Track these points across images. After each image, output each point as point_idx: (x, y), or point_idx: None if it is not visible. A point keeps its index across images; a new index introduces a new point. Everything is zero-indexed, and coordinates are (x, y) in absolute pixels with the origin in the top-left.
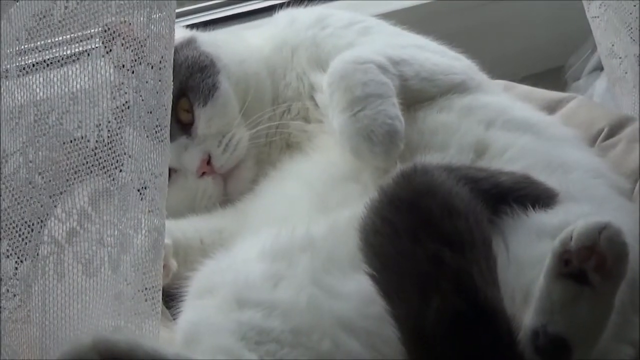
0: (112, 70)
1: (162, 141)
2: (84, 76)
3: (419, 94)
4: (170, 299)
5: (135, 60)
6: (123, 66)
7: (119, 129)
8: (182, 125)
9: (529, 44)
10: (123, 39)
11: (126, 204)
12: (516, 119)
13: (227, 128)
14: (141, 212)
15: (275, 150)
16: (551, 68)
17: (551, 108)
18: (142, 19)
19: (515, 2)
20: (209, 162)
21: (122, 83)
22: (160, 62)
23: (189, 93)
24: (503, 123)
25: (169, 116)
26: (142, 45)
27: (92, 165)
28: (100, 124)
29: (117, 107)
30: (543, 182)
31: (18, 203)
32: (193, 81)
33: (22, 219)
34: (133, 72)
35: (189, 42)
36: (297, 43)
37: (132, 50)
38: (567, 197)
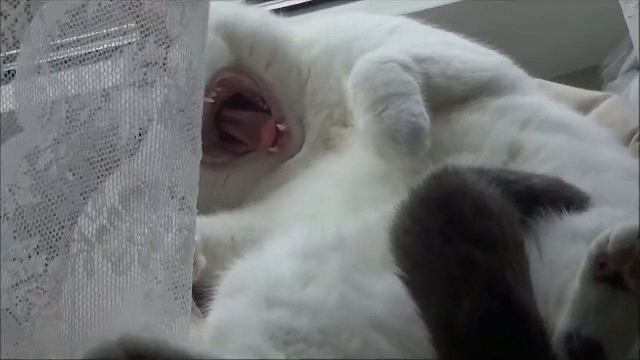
0: (145, 68)
1: (193, 139)
2: (116, 73)
3: (446, 93)
4: (200, 296)
5: (168, 58)
6: (156, 64)
7: (150, 127)
8: None
9: (564, 43)
10: (156, 36)
11: (157, 202)
12: (551, 120)
13: None
14: (172, 211)
15: (316, 155)
16: (587, 68)
17: (586, 107)
18: (175, 17)
19: (550, 0)
20: None
21: (155, 81)
22: (191, 60)
23: None
24: (538, 124)
25: (201, 114)
26: (175, 43)
27: (124, 163)
28: (132, 122)
29: (149, 105)
30: (575, 186)
31: (49, 200)
32: None
33: (54, 215)
34: (165, 70)
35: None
36: (334, 46)
37: (164, 48)
38: (600, 199)
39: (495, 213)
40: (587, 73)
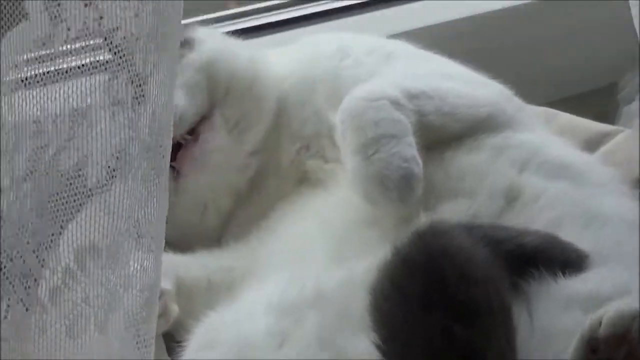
0: (112, 108)
1: (158, 189)
2: (83, 118)
3: (440, 130)
4: (171, 350)
5: (136, 99)
6: (124, 103)
7: (114, 170)
8: None
9: (578, 60)
10: (125, 75)
11: (116, 260)
12: (551, 161)
13: None
14: (133, 267)
15: (288, 184)
16: (603, 86)
17: (596, 142)
18: (141, 56)
19: (562, 15)
20: None
21: (123, 121)
22: (155, 110)
23: None
24: (538, 165)
25: (168, 162)
26: (144, 84)
27: (80, 219)
28: (98, 164)
29: (114, 147)
30: (571, 244)
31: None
32: None
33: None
34: (133, 111)
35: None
36: (315, 77)
37: (134, 88)
38: (600, 256)
39: (481, 278)
40: (603, 92)
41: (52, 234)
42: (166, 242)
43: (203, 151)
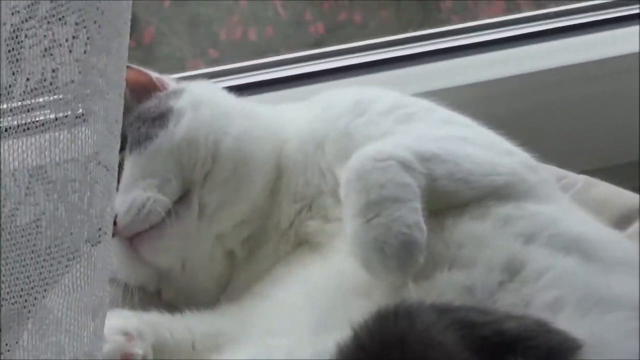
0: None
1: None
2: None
3: (452, 196)
4: None
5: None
6: None
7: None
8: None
9: (623, 129)
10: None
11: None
12: (565, 234)
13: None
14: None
15: (286, 246)
16: None
17: (629, 218)
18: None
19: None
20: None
21: None
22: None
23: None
24: (548, 238)
25: (110, 223)
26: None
27: None
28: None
29: None
30: (564, 331)
31: None
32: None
33: None
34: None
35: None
36: (324, 136)
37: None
38: (597, 346)
39: None
40: None
41: None
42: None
43: (161, 238)
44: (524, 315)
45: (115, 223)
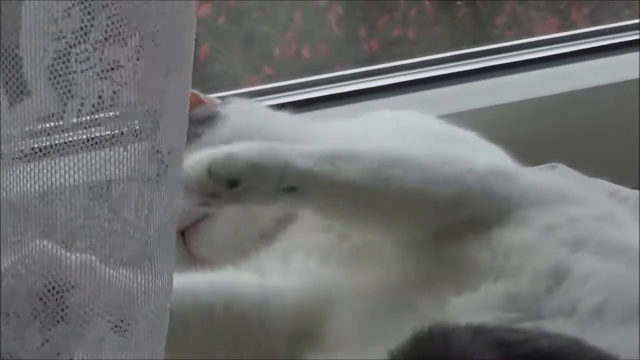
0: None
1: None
2: None
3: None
4: None
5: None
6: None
7: None
8: None
9: None
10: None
11: None
12: (611, 241)
13: None
14: None
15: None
16: None
17: None
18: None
19: None
20: None
21: None
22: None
23: None
24: (596, 244)
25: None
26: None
27: None
28: None
29: None
30: (598, 348)
31: None
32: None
33: None
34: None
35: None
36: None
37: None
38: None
39: None
40: None
41: None
42: None
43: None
44: (558, 334)
45: None
